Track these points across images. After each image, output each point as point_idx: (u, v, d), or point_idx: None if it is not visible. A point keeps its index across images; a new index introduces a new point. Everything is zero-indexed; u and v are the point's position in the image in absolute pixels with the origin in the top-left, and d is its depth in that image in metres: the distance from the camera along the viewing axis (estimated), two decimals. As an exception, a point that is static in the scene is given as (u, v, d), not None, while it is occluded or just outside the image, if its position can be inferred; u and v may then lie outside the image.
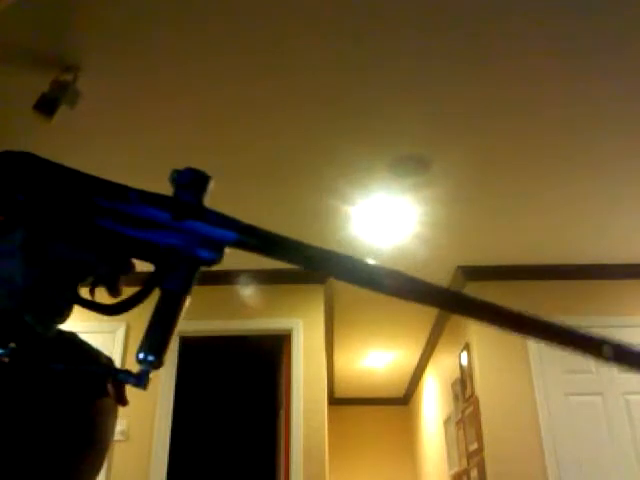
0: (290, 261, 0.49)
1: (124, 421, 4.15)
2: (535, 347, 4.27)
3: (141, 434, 4.14)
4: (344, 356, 6.47)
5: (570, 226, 4.02)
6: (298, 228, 4.05)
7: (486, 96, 2.92)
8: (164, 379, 4.26)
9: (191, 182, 0.49)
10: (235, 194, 3.58)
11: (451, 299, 0.49)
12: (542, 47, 2.63)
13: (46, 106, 2.60)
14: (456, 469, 5.05)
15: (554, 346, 0.47)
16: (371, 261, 0.49)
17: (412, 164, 3.39)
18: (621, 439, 4.01)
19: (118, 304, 0.49)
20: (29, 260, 0.46)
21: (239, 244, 0.49)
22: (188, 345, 4.44)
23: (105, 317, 0.49)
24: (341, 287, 4.82)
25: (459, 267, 4.55)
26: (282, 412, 4.48)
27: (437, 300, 0.50)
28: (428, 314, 5.41)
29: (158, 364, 0.46)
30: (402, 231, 4.05)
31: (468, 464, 4.58)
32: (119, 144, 3.24)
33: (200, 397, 5.96)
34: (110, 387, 0.55)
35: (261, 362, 5.54)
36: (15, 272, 0.45)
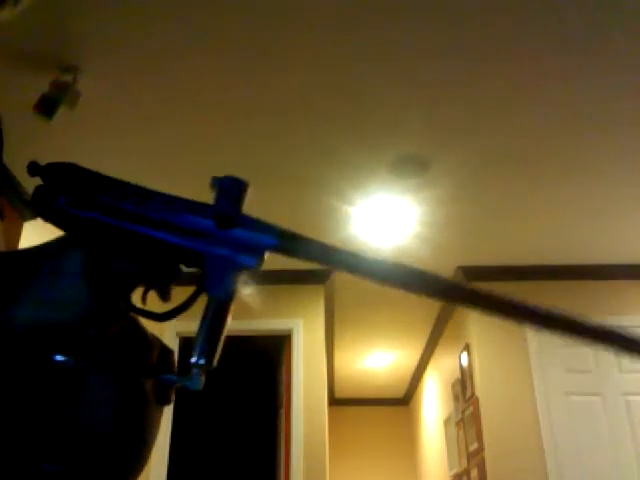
0: (326, 265, 0.51)
1: (124, 421, 4.15)
2: (535, 347, 4.27)
3: (141, 434, 4.13)
4: (344, 356, 6.47)
5: (570, 226, 4.02)
6: (298, 228, 4.04)
7: (486, 97, 2.92)
8: (164, 379, 4.26)
9: (231, 190, 0.52)
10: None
11: (454, 290, 0.50)
12: (543, 47, 2.63)
13: (46, 106, 2.60)
14: (456, 469, 5.05)
15: (557, 334, 0.50)
16: (402, 263, 0.50)
17: (412, 165, 3.39)
18: (621, 439, 4.00)
19: (168, 311, 0.53)
20: (92, 281, 0.49)
21: (278, 249, 0.52)
22: (188, 345, 4.44)
23: None
24: (341, 287, 4.82)
25: (459, 267, 4.55)
26: (282, 412, 4.48)
27: (444, 293, 0.51)
28: (429, 315, 5.41)
29: (209, 367, 0.49)
30: (402, 231, 4.05)
31: (468, 464, 4.58)
32: (119, 144, 3.24)
33: (200, 397, 5.96)
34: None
35: (261, 362, 5.54)
36: (79, 293, 0.48)
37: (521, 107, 2.98)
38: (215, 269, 0.51)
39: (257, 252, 0.51)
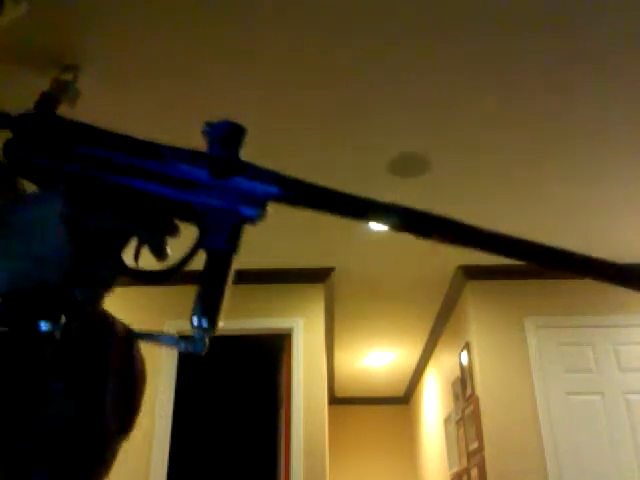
0: (334, 212, 0.48)
1: (124, 421, 4.15)
2: (535, 346, 4.27)
3: (141, 433, 4.14)
4: (344, 355, 6.47)
5: (570, 226, 4.02)
6: (299, 227, 4.05)
7: (486, 96, 2.91)
8: (164, 379, 4.26)
9: (226, 135, 0.48)
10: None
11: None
12: (543, 46, 2.63)
13: (46, 105, 2.60)
14: (456, 468, 5.05)
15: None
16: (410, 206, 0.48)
17: (412, 164, 3.39)
18: (621, 438, 4.00)
19: (164, 270, 0.47)
20: (73, 234, 0.43)
21: (282, 198, 0.48)
22: (188, 345, 4.44)
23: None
24: (341, 286, 4.82)
25: (459, 267, 4.55)
26: (282, 411, 4.48)
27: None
28: (429, 313, 5.41)
29: (213, 329, 0.45)
30: (402, 230, 4.04)
31: (468, 463, 4.58)
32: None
33: (200, 397, 5.96)
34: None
35: (261, 362, 5.53)
36: (59, 247, 0.43)
37: (522, 107, 2.98)
38: (213, 222, 0.46)
39: (258, 202, 0.47)
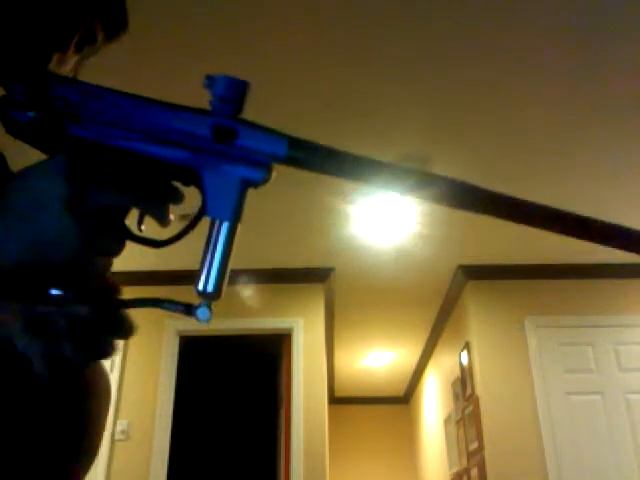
0: (340, 175, 0.46)
1: (124, 421, 4.15)
2: (535, 346, 4.27)
3: (141, 434, 4.14)
4: (344, 355, 6.47)
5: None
6: (299, 227, 4.05)
7: (487, 96, 2.91)
8: (164, 379, 4.26)
9: (229, 92, 0.46)
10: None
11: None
12: (544, 45, 2.63)
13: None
14: (456, 468, 5.05)
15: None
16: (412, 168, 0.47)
17: (413, 164, 3.39)
18: (621, 438, 4.00)
19: (168, 238, 0.46)
20: (78, 216, 0.41)
21: (288, 160, 0.46)
22: (188, 345, 4.45)
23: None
24: (341, 286, 4.82)
25: (460, 266, 4.55)
26: (282, 411, 4.48)
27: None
28: (429, 313, 5.41)
29: (217, 295, 0.44)
30: (403, 230, 4.04)
31: (468, 463, 4.58)
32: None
33: (200, 396, 5.96)
34: None
35: (261, 361, 5.54)
36: (65, 232, 0.41)
37: (522, 106, 2.98)
38: (217, 186, 0.45)
39: (264, 164, 0.46)
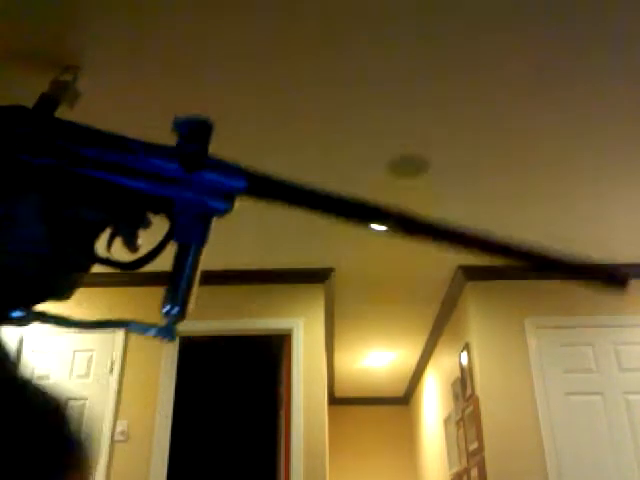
0: (299, 208, 0.50)
1: (124, 421, 4.15)
2: (535, 346, 4.27)
3: (141, 434, 4.14)
4: (344, 356, 6.47)
5: (570, 226, 4.02)
6: (298, 227, 4.05)
7: (486, 96, 2.91)
8: (164, 379, 4.26)
9: (195, 130, 0.49)
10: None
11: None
12: (543, 45, 2.63)
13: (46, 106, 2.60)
14: (456, 468, 5.05)
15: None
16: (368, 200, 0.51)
17: (411, 164, 3.39)
18: (621, 438, 4.00)
19: (135, 260, 0.50)
20: (49, 226, 0.45)
21: (250, 192, 0.49)
22: (188, 345, 4.44)
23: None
24: (341, 286, 4.82)
25: (459, 267, 4.55)
26: (282, 412, 4.48)
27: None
28: (429, 314, 5.41)
29: (182, 316, 0.46)
30: (402, 231, 4.04)
31: (468, 463, 4.58)
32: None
33: (200, 397, 5.96)
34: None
35: (261, 362, 5.54)
36: (37, 241, 0.45)
37: (522, 107, 2.98)
38: (184, 214, 0.48)
39: (227, 196, 0.49)
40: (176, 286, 0.47)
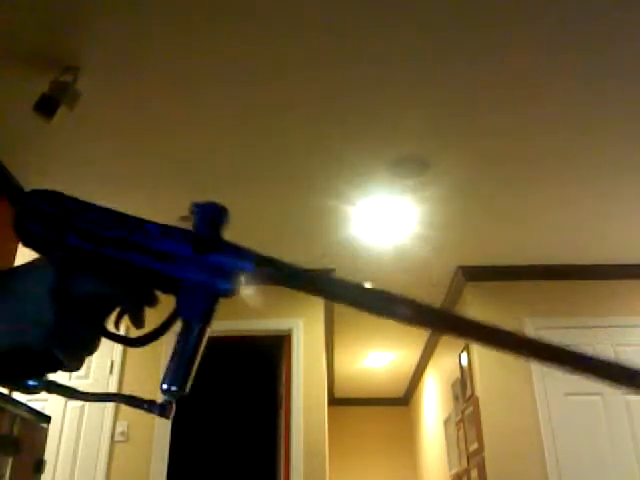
0: (304, 291, 0.51)
1: (124, 422, 4.15)
2: (535, 347, 4.26)
3: (141, 434, 4.14)
4: (344, 356, 6.46)
5: (570, 226, 4.02)
6: (298, 228, 4.05)
7: (486, 97, 2.91)
8: (164, 379, 4.26)
9: (210, 216, 0.52)
10: (237, 195, 3.58)
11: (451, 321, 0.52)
12: (543, 45, 2.63)
13: (46, 106, 2.60)
14: (456, 469, 5.05)
15: (561, 370, 0.49)
16: (378, 288, 0.52)
17: (412, 164, 3.39)
18: (621, 439, 4.00)
19: (143, 336, 0.52)
20: (60, 303, 0.47)
21: (256, 275, 0.51)
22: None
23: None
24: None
25: (459, 267, 4.55)
26: (282, 412, 4.48)
27: (441, 324, 0.53)
28: (428, 314, 5.40)
29: (181, 392, 0.48)
30: (402, 231, 4.05)
31: (468, 464, 4.58)
32: (120, 145, 3.23)
33: (200, 397, 5.96)
34: None
35: (261, 362, 5.54)
36: (46, 316, 0.47)
37: (521, 107, 2.98)
38: (190, 293, 0.50)
39: (234, 278, 0.51)
40: (178, 365, 0.48)
